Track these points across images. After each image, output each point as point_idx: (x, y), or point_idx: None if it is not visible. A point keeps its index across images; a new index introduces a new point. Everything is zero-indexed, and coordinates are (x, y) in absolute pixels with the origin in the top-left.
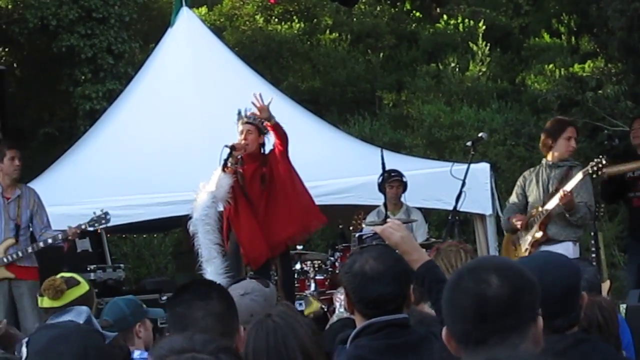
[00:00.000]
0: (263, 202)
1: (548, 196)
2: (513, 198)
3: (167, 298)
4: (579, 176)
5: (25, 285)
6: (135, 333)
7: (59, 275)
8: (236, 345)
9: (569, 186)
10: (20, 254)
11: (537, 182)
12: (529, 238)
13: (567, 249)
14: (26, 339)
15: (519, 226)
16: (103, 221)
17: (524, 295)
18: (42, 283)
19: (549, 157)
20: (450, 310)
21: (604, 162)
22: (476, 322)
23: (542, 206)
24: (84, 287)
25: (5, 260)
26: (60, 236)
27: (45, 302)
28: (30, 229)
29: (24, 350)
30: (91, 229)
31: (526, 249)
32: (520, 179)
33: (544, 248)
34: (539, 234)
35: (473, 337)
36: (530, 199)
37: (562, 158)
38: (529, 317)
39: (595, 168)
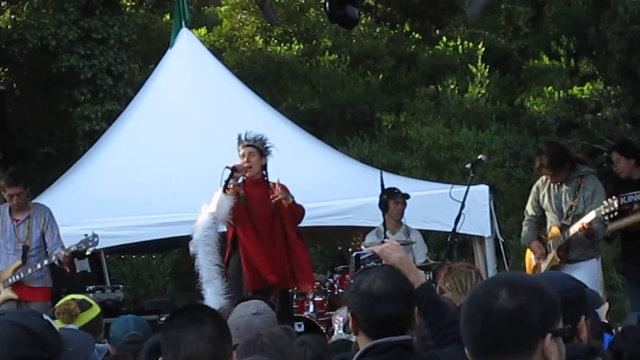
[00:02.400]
0: (274, 226)
1: (564, 216)
2: (529, 209)
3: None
4: (592, 215)
5: (32, 307)
6: None
7: (69, 297)
8: None
9: (587, 219)
10: (22, 274)
11: (550, 197)
12: (548, 261)
13: (592, 265)
14: None
15: (539, 254)
16: (90, 243)
17: (531, 311)
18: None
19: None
20: (462, 322)
21: (615, 205)
22: (480, 334)
23: (560, 229)
24: (95, 310)
25: (9, 281)
26: (54, 259)
27: (58, 324)
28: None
29: None
30: (79, 250)
31: (545, 270)
32: (534, 189)
33: (568, 266)
34: (557, 260)
35: (477, 350)
36: (547, 214)
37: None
38: (537, 333)
39: (607, 210)
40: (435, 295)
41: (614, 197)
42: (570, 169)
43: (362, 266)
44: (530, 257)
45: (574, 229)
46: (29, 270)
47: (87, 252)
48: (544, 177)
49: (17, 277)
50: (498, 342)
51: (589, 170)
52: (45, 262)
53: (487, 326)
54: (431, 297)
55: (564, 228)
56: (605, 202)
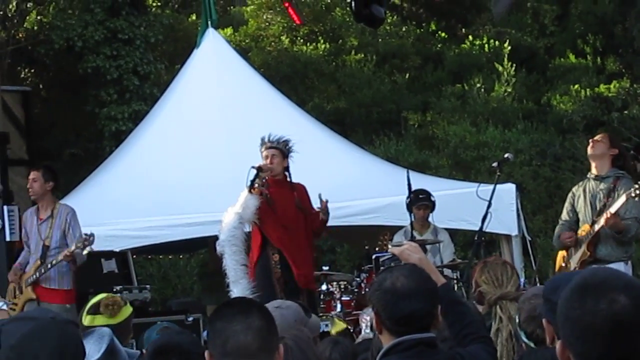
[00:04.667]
0: (301, 223)
1: (596, 213)
2: (564, 215)
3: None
4: (622, 199)
5: (56, 309)
6: None
7: (102, 296)
8: None
9: (614, 208)
10: (38, 274)
11: (585, 197)
12: (577, 256)
13: (619, 268)
14: None
15: (568, 243)
16: (87, 243)
17: None
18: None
19: (593, 170)
20: (578, 332)
21: None
22: (611, 346)
23: (591, 225)
24: (129, 307)
25: (29, 280)
26: (60, 259)
27: (98, 320)
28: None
29: None
30: (79, 250)
31: (574, 268)
32: (570, 195)
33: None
34: (587, 254)
35: None
36: (580, 215)
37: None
38: None
39: (638, 191)
40: (456, 295)
41: None
42: (612, 164)
43: (382, 267)
44: (560, 257)
45: (603, 219)
46: (42, 270)
47: (84, 252)
48: (580, 182)
49: (35, 276)
50: (630, 352)
51: (626, 175)
52: (49, 265)
53: (618, 338)
54: (452, 296)
55: (594, 224)
56: (636, 184)
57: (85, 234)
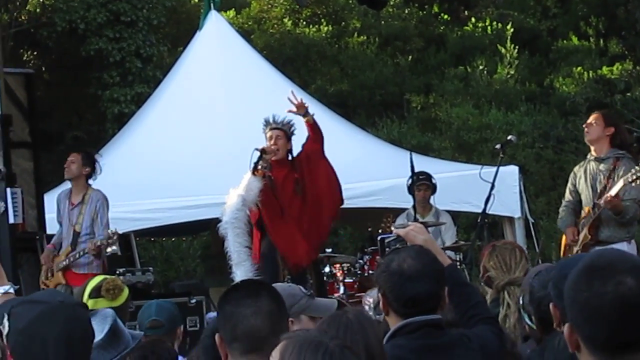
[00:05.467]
0: (296, 208)
1: (597, 195)
2: (567, 196)
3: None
4: (620, 183)
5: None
6: (178, 335)
7: (102, 278)
8: None
9: (613, 191)
10: (70, 259)
11: (586, 179)
12: (580, 240)
13: (622, 248)
14: (7, 311)
15: (569, 241)
16: (110, 241)
17: None
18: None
19: (593, 151)
20: (586, 314)
21: None
22: (618, 329)
23: (592, 207)
24: (127, 289)
25: (60, 265)
26: (86, 250)
27: (100, 304)
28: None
29: (6, 324)
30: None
31: (577, 250)
32: (571, 176)
33: (599, 249)
34: (588, 238)
35: (612, 346)
36: (582, 197)
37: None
38: None
39: (635, 177)
40: (461, 277)
41: None
42: (611, 143)
43: (387, 249)
44: (565, 240)
45: (602, 202)
46: (71, 258)
47: (108, 251)
48: (581, 162)
49: (65, 262)
50: (638, 334)
51: (627, 155)
52: (81, 252)
53: (625, 319)
54: (457, 278)
55: (595, 207)
56: (633, 169)
57: (110, 231)
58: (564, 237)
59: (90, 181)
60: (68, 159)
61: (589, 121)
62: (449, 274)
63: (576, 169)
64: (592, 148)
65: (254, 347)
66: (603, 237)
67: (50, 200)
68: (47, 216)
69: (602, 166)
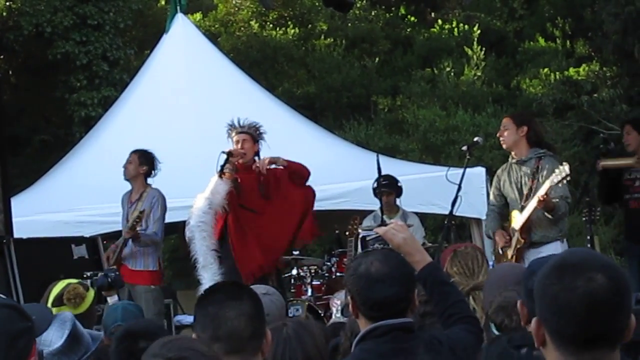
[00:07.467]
0: (267, 212)
1: (524, 198)
2: (492, 199)
3: (198, 298)
4: (546, 184)
5: (141, 290)
6: None
7: (67, 282)
8: (262, 348)
9: (541, 192)
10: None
11: (511, 182)
12: (513, 244)
13: (556, 248)
14: None
15: (499, 247)
16: (137, 220)
17: (627, 293)
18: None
19: (513, 154)
20: (555, 308)
21: (567, 170)
22: (585, 325)
23: (520, 211)
24: (91, 292)
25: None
26: (125, 237)
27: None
28: None
29: None
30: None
31: (512, 256)
32: (495, 179)
33: (533, 251)
34: (522, 242)
35: (580, 341)
36: (508, 200)
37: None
38: (627, 321)
39: (559, 177)
40: (441, 275)
41: (564, 163)
42: (529, 143)
43: (369, 247)
44: (496, 246)
45: (532, 204)
46: (115, 250)
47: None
48: (504, 165)
49: (112, 257)
50: (605, 331)
51: (547, 153)
52: (129, 249)
53: (593, 315)
54: (437, 276)
55: (523, 210)
56: (556, 169)
57: (140, 212)
58: (495, 242)
59: (150, 180)
60: (126, 160)
61: (501, 128)
62: (429, 273)
63: (499, 172)
64: (512, 152)
65: (235, 348)
66: (536, 238)
67: (17, 204)
68: (14, 220)
69: (524, 169)
